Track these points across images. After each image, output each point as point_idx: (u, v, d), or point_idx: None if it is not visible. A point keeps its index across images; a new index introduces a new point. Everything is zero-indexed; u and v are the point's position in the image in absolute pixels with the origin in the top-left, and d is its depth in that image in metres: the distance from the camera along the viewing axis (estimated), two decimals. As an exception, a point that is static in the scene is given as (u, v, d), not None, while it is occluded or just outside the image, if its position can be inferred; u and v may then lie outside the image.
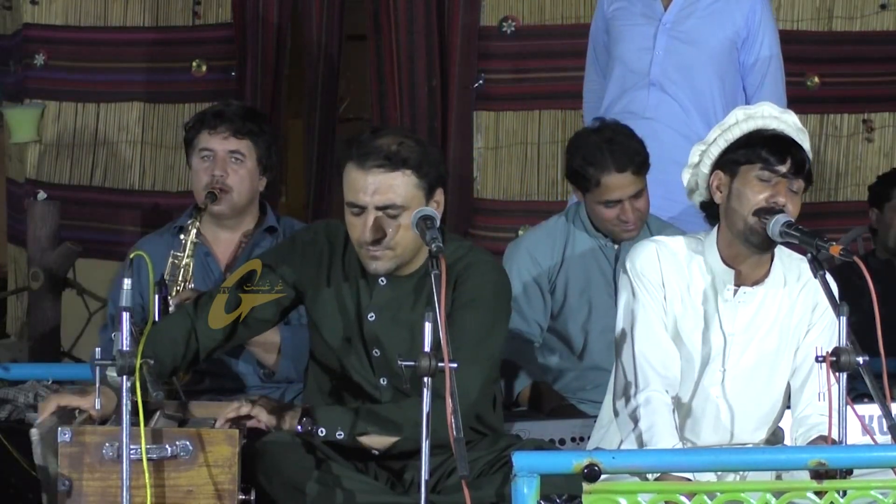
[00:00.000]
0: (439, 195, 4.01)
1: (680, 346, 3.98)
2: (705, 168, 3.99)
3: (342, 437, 3.89)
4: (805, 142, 3.96)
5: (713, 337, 3.99)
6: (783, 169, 3.87)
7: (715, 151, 3.97)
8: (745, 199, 3.88)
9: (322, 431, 3.87)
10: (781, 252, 4.03)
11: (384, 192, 3.92)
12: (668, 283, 3.99)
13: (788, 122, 3.96)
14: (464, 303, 3.97)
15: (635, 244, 4.11)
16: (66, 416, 3.80)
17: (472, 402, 3.89)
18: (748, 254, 3.95)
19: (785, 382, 4.04)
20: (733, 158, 3.92)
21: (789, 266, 4.03)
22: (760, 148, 3.88)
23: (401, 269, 4.02)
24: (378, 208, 3.92)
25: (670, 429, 3.85)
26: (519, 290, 4.94)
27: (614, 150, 4.77)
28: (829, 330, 3.95)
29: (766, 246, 3.91)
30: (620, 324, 4.03)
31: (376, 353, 4.06)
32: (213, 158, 4.74)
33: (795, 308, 4.01)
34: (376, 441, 3.91)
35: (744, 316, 3.99)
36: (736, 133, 3.95)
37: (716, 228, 4.00)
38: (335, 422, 3.89)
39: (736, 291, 3.97)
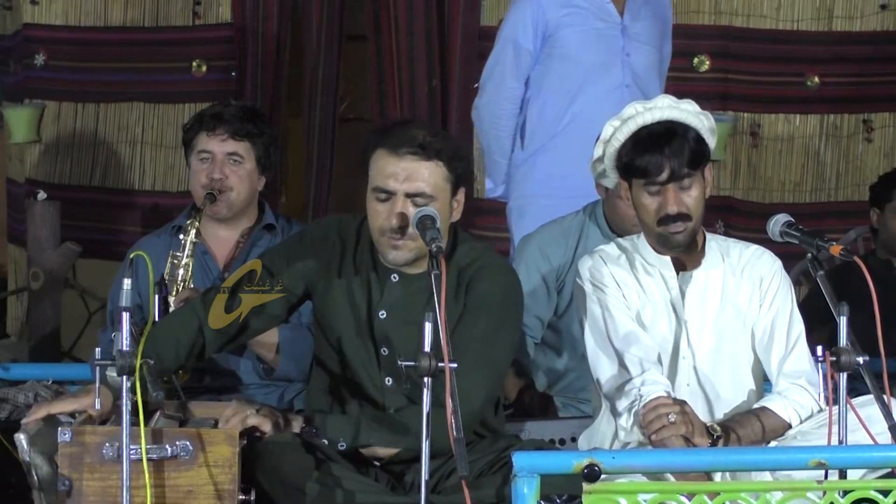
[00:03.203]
0: (461, 194, 4.02)
1: None
2: (613, 177, 4.06)
3: (344, 447, 3.89)
4: (686, 114, 3.97)
5: (671, 327, 4.05)
6: (662, 179, 3.91)
7: (609, 163, 4.04)
8: (644, 211, 3.97)
9: (325, 443, 3.87)
10: (715, 237, 4.12)
11: (415, 179, 3.91)
12: (622, 283, 4.05)
13: (660, 105, 3.98)
14: (474, 307, 3.96)
15: (582, 259, 4.17)
16: (51, 422, 3.79)
17: (477, 408, 3.89)
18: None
19: (751, 358, 4.08)
20: (622, 167, 3.99)
21: (725, 247, 4.10)
22: (638, 159, 3.92)
23: (415, 264, 3.99)
24: (407, 195, 3.91)
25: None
26: (525, 284, 4.94)
27: None
28: (782, 295, 4.05)
29: (683, 243, 3.98)
30: (591, 334, 4.06)
31: (385, 351, 4.04)
32: (211, 160, 4.74)
33: (742, 284, 4.07)
34: (379, 452, 3.92)
35: (692, 300, 4.05)
36: (619, 140, 3.99)
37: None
38: (338, 432, 3.89)
39: (679, 278, 4.03)
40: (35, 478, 3.68)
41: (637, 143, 3.95)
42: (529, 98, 5.65)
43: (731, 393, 4.06)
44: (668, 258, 4.03)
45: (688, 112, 3.98)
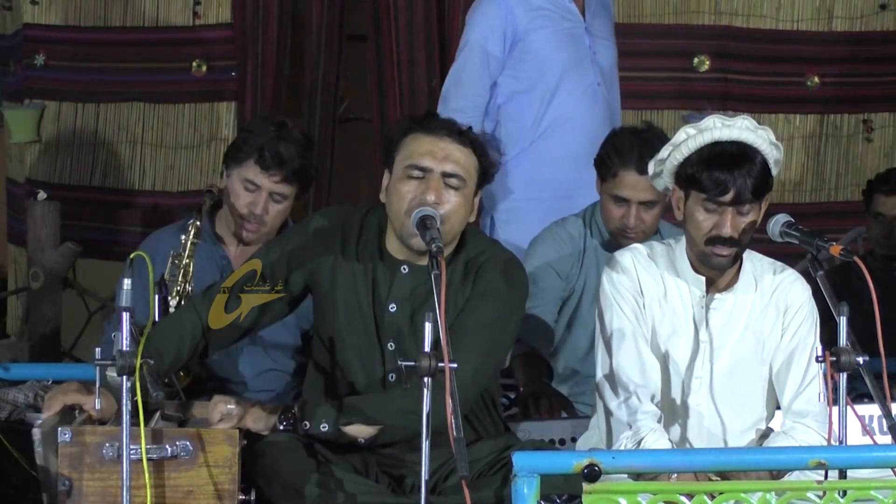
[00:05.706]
0: (479, 195, 4.02)
1: (658, 354, 4.00)
2: (668, 180, 3.99)
3: (327, 429, 3.84)
4: (761, 140, 3.92)
5: (689, 344, 4.01)
6: (726, 200, 3.85)
7: (670, 167, 3.97)
8: (695, 225, 3.90)
9: (306, 425, 3.84)
10: (752, 256, 4.06)
11: (452, 160, 3.93)
12: (646, 289, 4.02)
13: (738, 125, 3.92)
14: (478, 294, 3.95)
15: (615, 253, 4.13)
16: (68, 415, 3.80)
17: (464, 385, 3.75)
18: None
19: (765, 386, 4.05)
20: (685, 176, 3.91)
21: (760, 270, 4.05)
22: (706, 173, 3.85)
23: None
24: (444, 175, 3.91)
25: (660, 435, 3.86)
26: (538, 275, 4.90)
27: (644, 150, 4.71)
28: (805, 328, 3.99)
29: (725, 267, 3.94)
30: (599, 334, 4.04)
31: (391, 346, 4.00)
32: (256, 192, 4.69)
33: (768, 312, 4.02)
34: (361, 430, 3.86)
35: (716, 322, 4.00)
36: (690, 148, 3.91)
37: (685, 237, 4.01)
38: (319, 415, 3.85)
39: (707, 298, 3.99)
40: (48, 478, 3.67)
41: (708, 157, 3.88)
42: (501, 104, 5.59)
43: (741, 418, 4.03)
44: (703, 278, 3.98)
45: (763, 139, 3.93)
